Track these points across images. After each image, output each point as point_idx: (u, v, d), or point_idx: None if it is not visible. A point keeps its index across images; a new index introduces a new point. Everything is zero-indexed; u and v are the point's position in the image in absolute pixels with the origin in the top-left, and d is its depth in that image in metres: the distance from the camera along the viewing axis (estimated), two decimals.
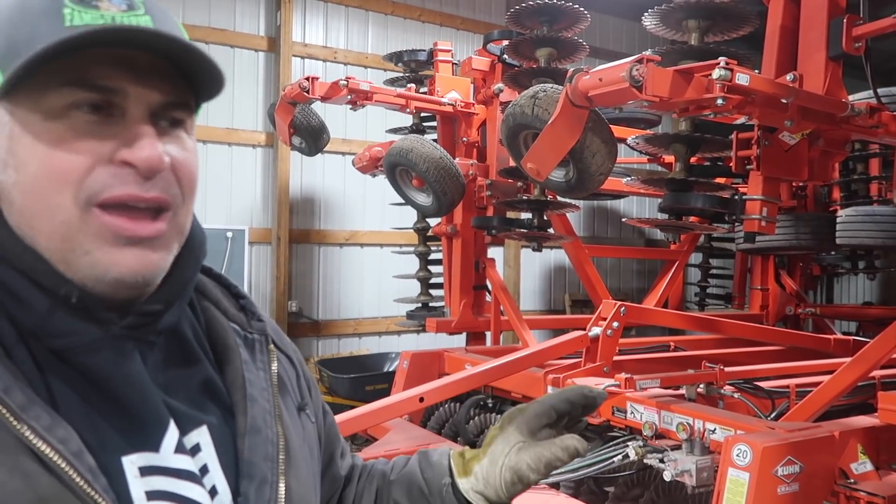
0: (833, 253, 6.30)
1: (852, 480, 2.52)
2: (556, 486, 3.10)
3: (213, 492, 0.76)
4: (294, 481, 0.83)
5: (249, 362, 0.86)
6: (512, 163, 3.96)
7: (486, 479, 0.96)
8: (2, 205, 0.71)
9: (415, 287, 5.49)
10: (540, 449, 0.95)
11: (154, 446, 0.72)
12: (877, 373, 3.42)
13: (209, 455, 0.78)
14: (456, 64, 5.22)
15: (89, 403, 0.70)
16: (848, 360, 3.13)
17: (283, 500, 0.81)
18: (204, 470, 0.77)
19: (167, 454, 0.73)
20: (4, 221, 0.70)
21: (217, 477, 0.77)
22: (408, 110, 4.86)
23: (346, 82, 4.48)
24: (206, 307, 0.89)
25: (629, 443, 2.99)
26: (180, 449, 0.74)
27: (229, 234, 5.95)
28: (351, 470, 1.08)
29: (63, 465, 0.63)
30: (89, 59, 0.68)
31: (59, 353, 0.69)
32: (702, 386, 3.24)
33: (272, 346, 0.91)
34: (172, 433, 0.74)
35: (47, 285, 0.68)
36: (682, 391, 3.18)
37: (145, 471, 0.71)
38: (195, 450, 0.77)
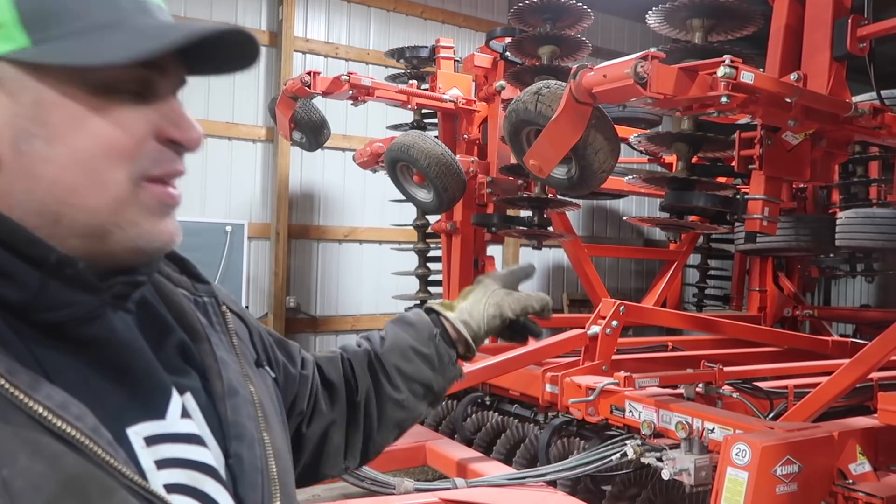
0: (831, 255, 6.30)
1: (851, 481, 2.52)
2: (553, 483, 3.10)
3: None
4: (272, 436, 0.84)
5: (208, 325, 0.86)
6: (513, 160, 3.95)
7: (471, 313, 1.12)
8: (6, 177, 0.65)
9: (413, 284, 5.49)
10: (520, 295, 1.15)
11: (160, 413, 0.72)
12: (874, 375, 3.42)
13: (199, 420, 0.77)
14: (458, 61, 5.21)
15: (85, 378, 0.68)
16: (846, 361, 3.13)
17: (272, 455, 0.82)
18: None
19: (174, 420, 0.73)
20: None
21: (209, 441, 0.77)
22: (409, 106, 4.85)
23: (347, 77, 4.47)
24: None
25: (627, 441, 2.99)
26: (185, 414, 0.75)
27: (228, 229, 5.95)
28: (305, 361, 1.09)
29: (86, 441, 0.61)
30: None
31: (51, 327, 0.67)
32: (700, 385, 3.24)
33: (224, 306, 0.91)
34: (176, 398, 0.75)
35: (36, 257, 0.65)
36: (681, 390, 3.18)
37: (150, 440, 0.70)
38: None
